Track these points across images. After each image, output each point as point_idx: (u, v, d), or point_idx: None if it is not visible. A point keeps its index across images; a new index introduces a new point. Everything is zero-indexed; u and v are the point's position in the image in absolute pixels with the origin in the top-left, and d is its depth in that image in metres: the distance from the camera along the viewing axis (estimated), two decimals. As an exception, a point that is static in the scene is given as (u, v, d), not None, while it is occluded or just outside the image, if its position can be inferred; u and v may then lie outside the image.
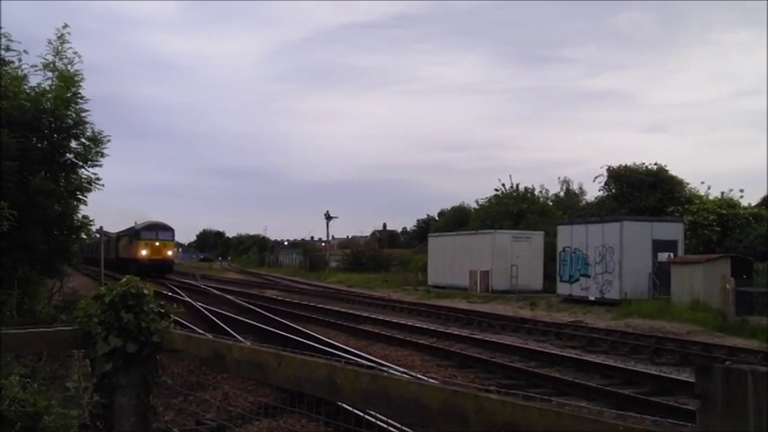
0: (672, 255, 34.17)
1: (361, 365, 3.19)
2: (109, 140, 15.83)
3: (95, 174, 15.76)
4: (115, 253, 72.74)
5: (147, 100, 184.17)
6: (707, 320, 24.52)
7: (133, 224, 71.59)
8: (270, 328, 20.79)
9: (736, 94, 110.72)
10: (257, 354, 3.77)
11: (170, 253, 67.07)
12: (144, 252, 64.01)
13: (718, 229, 45.13)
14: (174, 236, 69.71)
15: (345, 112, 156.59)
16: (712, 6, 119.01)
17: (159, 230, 66.68)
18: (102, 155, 15.74)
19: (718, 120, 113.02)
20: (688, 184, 53.46)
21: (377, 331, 20.39)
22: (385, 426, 8.49)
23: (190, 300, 28.72)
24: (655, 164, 53.40)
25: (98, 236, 33.88)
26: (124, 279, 4.80)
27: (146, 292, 4.72)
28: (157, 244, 65.16)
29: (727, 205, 47.72)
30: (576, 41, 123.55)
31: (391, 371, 3.64)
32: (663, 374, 14.45)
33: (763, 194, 59.71)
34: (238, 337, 16.56)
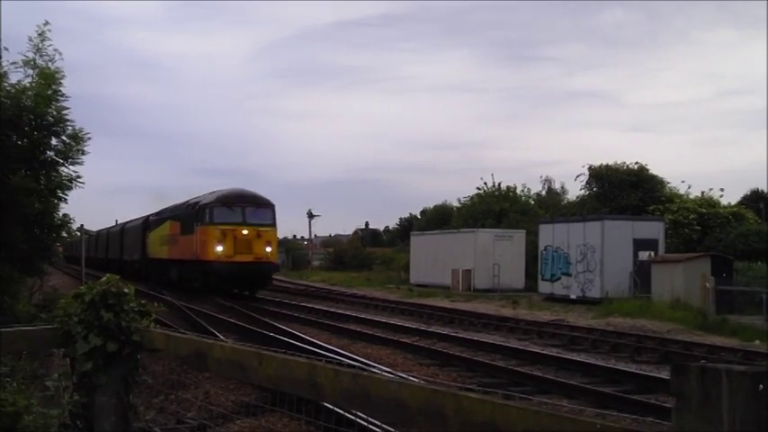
0: (652, 254, 34.35)
1: (342, 364, 3.20)
2: (90, 138, 15.77)
3: (76, 172, 15.70)
4: (140, 251, 48.54)
5: (131, 99, 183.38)
6: (687, 319, 24.67)
7: (190, 201, 39.83)
8: (252, 327, 20.75)
9: (719, 94, 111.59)
10: (238, 353, 3.77)
11: (269, 249, 35.02)
12: (220, 248, 33.92)
13: (699, 228, 45.42)
14: (274, 217, 36.26)
15: (329, 111, 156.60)
16: (695, 6, 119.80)
17: (250, 206, 35.42)
18: (83, 153, 15.67)
19: (700, 120, 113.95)
20: (669, 183, 53.81)
21: (359, 330, 20.40)
22: (365, 424, 8.52)
23: (172, 298, 28.62)
24: (636, 163, 53.70)
25: (79, 234, 33.87)
26: (104, 278, 4.78)
27: (126, 290, 4.70)
28: (246, 232, 34.37)
29: (707, 204, 48.05)
30: (558, 41, 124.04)
31: (372, 370, 3.65)
32: (643, 373, 14.53)
33: (743, 194, 60.20)
34: (220, 336, 16.53)
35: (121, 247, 58.04)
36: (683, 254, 35.18)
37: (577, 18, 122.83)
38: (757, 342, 20.40)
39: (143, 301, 4.82)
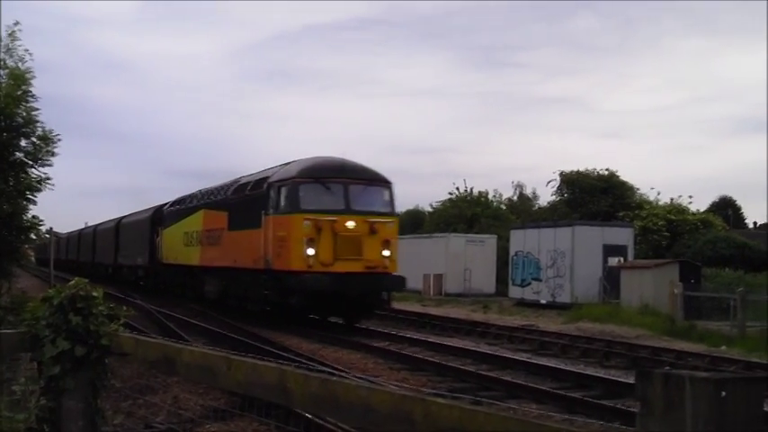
0: (622, 259, 34.63)
1: (312, 370, 3.20)
2: (60, 140, 15.66)
3: (46, 173, 15.58)
4: (147, 253, 37.15)
5: (101, 100, 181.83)
6: (656, 325, 24.90)
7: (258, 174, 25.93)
8: (223, 331, 20.66)
9: (689, 101, 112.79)
10: (207, 358, 3.76)
11: (388, 253, 21.74)
12: (311, 251, 20.79)
13: (668, 234, 45.87)
14: (393, 202, 23.01)
15: (304, 114, 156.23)
16: (667, 13, 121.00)
17: (356, 184, 21.99)
18: (53, 154, 15.57)
19: (671, 127, 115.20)
20: (638, 189, 54.30)
21: (329, 334, 20.36)
22: (334, 429, 8.52)
23: (141, 302, 28.42)
24: (606, 169, 54.15)
25: (48, 236, 33.31)
26: (72, 281, 4.75)
27: (95, 294, 4.68)
28: (352, 226, 21.12)
29: (676, 211, 48.55)
30: (531, 46, 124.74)
31: (342, 375, 3.66)
32: (611, 378, 14.64)
33: (711, 201, 60.87)
34: (189, 340, 16.45)
35: (116, 249, 45.82)
36: (652, 260, 35.50)
37: (551, 24, 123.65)
38: (724, 348, 20.62)
39: (112, 305, 4.80)
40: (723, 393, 1.93)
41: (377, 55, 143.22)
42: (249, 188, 24.61)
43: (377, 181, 22.30)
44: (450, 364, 16.01)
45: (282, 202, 21.77)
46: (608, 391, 13.48)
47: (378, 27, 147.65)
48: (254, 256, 22.69)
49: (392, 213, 22.45)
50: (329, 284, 20.10)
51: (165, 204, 36.98)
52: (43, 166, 15.58)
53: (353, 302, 21.72)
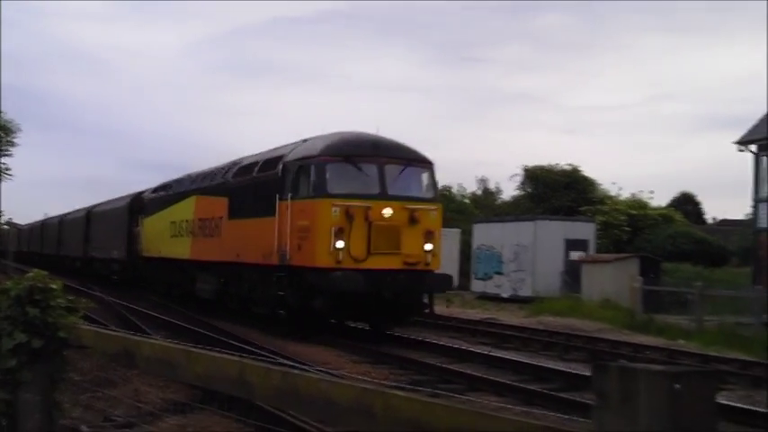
0: (583, 254, 34.94)
1: (273, 363, 3.20)
2: (20, 130, 15.44)
3: (5, 164, 15.35)
4: (123, 245, 34.11)
5: (64, 91, 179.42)
6: (616, 318, 25.18)
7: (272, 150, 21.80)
8: (185, 324, 20.53)
9: (651, 98, 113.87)
10: (167, 351, 3.74)
11: (430, 247, 18.18)
12: (341, 244, 17.21)
13: (629, 228, 46.33)
14: (436, 185, 20.26)
15: (267, 108, 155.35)
16: (631, 11, 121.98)
17: (392, 163, 18.27)
18: (13, 144, 15.35)
19: (633, 123, 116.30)
20: (601, 184, 54.78)
21: (292, 328, 20.29)
22: (295, 421, 8.51)
23: (102, 294, 28.09)
24: (569, 164, 54.55)
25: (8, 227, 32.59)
26: (31, 273, 4.69)
27: (53, 286, 4.63)
28: (389, 214, 17.54)
29: (637, 206, 49.04)
30: (497, 42, 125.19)
31: (303, 368, 3.66)
32: (571, 371, 14.79)
33: (672, 196, 61.61)
34: (150, 332, 16.33)
35: (86, 241, 42.70)
36: (613, 254, 35.86)
37: (516, 20, 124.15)
38: (681, 341, 20.92)
39: (71, 297, 4.75)
40: (677, 386, 1.96)
41: (341, 49, 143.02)
42: (257, 169, 20.75)
43: (417, 161, 18.74)
44: (411, 357, 16.06)
45: (304, 185, 18.15)
46: (567, 383, 13.61)
47: (341, 20, 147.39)
48: (264, 249, 19.14)
49: (435, 199, 19.24)
50: (363, 284, 16.66)
51: (145, 191, 33.76)
52: (2, 156, 15.35)
53: (388, 305, 17.91)
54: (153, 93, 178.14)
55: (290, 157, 18.97)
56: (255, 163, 21.37)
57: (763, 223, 30.71)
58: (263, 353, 12.55)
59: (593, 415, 2.07)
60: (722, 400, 11.21)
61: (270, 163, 20.15)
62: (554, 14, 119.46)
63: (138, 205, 33.47)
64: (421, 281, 17.99)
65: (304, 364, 12.23)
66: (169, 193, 29.41)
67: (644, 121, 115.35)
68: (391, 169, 17.99)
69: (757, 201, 31.74)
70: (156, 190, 32.15)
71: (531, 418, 2.22)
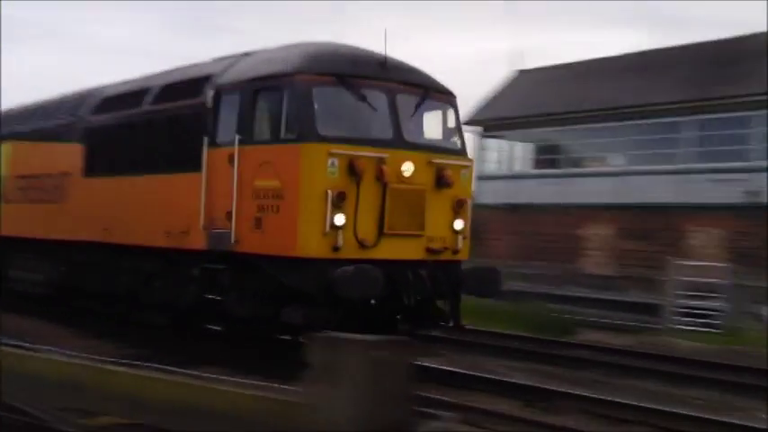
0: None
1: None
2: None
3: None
4: None
5: None
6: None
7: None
8: None
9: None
10: None
11: (461, 225, 11.02)
12: (341, 219, 10.03)
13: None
14: (462, 135, 12.08)
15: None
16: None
17: (406, 93, 11.08)
18: None
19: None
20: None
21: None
22: None
23: None
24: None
25: None
26: None
27: None
28: (409, 172, 10.43)
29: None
30: (241, 12, 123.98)
31: (11, 343, 3.51)
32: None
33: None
34: None
35: None
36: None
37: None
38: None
39: None
40: (377, 354, 2.13)
41: (76, 8, 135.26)
42: (152, 100, 13.42)
43: (438, 91, 11.98)
44: (139, 332, 15.60)
45: (268, 122, 11.23)
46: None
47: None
48: (171, 224, 12.34)
49: (465, 152, 12.20)
50: (382, 286, 9.93)
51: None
52: None
53: (406, 311, 11.15)
54: None
55: (232, 78, 11.91)
56: (144, 90, 13.88)
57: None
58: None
59: (303, 383, 2.20)
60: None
61: (182, 88, 12.90)
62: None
63: None
64: (454, 278, 11.28)
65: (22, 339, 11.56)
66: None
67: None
68: (405, 101, 11.46)
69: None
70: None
71: (241, 388, 2.32)
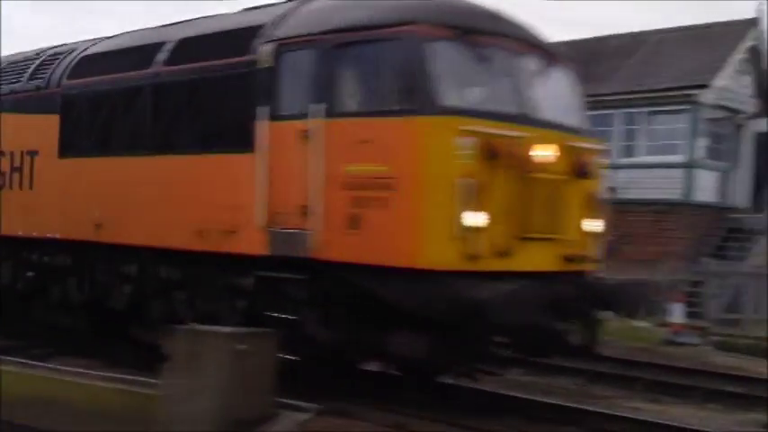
0: None
1: None
2: None
3: None
4: None
5: None
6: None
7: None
8: None
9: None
10: None
11: (598, 227, 8.70)
12: (473, 219, 7.43)
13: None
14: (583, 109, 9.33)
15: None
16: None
17: (535, 60, 8.64)
18: None
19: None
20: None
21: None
22: None
23: None
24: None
25: None
26: None
27: None
28: (551, 155, 8.03)
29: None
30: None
31: None
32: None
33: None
34: None
35: None
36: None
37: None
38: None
39: None
40: (240, 347, 2.15)
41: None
42: (167, 59, 10.11)
43: (557, 56, 9.35)
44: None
45: (365, 88, 8.59)
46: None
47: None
48: (210, 221, 9.21)
49: (590, 131, 9.66)
50: (539, 310, 7.71)
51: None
52: None
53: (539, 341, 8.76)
54: None
55: (298, 29, 8.86)
56: (152, 47, 10.52)
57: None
58: None
59: (163, 374, 2.19)
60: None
61: (217, 43, 9.73)
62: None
63: None
64: (593, 293, 8.74)
65: None
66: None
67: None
68: (534, 66, 8.97)
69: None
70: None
71: (99, 380, 2.30)
